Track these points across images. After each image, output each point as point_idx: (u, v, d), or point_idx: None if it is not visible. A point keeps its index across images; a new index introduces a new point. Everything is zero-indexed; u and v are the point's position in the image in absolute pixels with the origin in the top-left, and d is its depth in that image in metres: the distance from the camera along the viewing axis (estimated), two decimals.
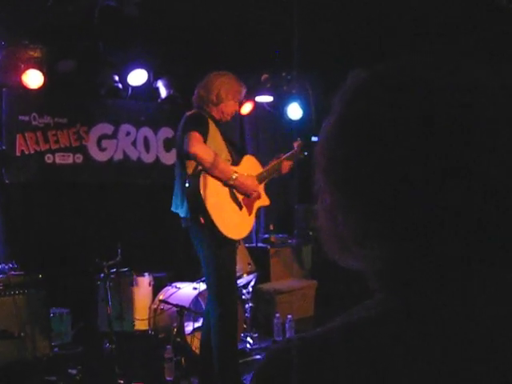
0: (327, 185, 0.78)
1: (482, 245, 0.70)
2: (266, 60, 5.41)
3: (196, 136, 3.82)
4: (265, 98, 6.96)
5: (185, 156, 3.90)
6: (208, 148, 3.86)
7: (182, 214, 4.00)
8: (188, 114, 4.09)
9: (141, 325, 5.38)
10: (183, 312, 4.83)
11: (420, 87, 0.71)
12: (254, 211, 4.23)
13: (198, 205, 3.81)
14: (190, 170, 3.93)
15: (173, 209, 4.13)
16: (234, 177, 3.95)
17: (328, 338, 0.71)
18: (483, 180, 0.67)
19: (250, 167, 4.28)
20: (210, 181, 3.88)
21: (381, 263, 0.74)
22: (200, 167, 3.86)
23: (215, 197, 3.89)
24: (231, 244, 3.99)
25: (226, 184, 3.96)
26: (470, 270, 0.71)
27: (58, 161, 6.13)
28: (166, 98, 6.44)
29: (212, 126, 4.04)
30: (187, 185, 3.89)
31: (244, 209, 4.14)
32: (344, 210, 0.76)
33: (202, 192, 3.81)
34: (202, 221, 3.82)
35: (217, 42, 5.93)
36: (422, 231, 0.70)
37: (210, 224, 3.81)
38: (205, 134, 3.92)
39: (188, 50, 6.14)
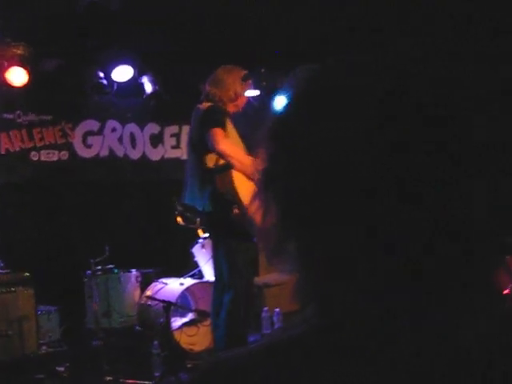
0: (259, 179, 0.70)
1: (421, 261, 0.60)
2: (249, 56, 5.41)
3: (220, 132, 3.83)
4: (250, 93, 6.94)
5: (204, 151, 3.91)
6: (233, 143, 3.91)
7: (200, 208, 4.04)
8: (203, 107, 4.06)
9: (128, 321, 5.38)
10: (170, 308, 4.84)
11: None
12: None
13: (231, 197, 3.86)
14: (210, 164, 3.96)
15: (187, 201, 4.20)
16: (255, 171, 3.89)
17: (237, 364, 0.65)
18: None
19: None
20: (239, 174, 3.92)
21: (298, 269, 0.66)
22: (221, 161, 3.89)
23: (246, 189, 3.89)
24: (251, 239, 4.01)
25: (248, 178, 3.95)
26: (396, 289, 0.60)
27: (43, 158, 6.11)
28: (152, 93, 6.43)
29: (228, 121, 4.06)
30: (216, 180, 3.92)
31: None
32: (268, 202, 0.67)
33: (236, 185, 3.86)
34: (237, 211, 3.84)
35: (201, 37, 5.91)
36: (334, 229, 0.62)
37: (244, 215, 3.82)
38: (225, 129, 3.92)
39: (173, 46, 6.13)
